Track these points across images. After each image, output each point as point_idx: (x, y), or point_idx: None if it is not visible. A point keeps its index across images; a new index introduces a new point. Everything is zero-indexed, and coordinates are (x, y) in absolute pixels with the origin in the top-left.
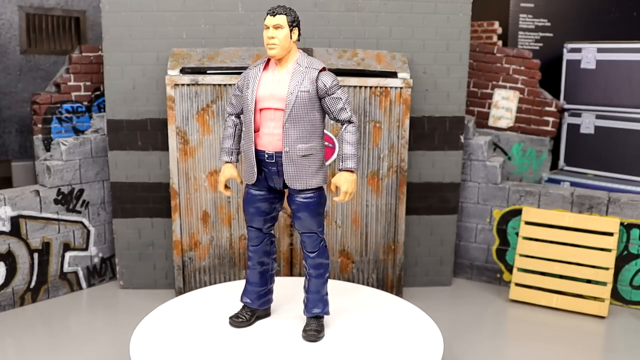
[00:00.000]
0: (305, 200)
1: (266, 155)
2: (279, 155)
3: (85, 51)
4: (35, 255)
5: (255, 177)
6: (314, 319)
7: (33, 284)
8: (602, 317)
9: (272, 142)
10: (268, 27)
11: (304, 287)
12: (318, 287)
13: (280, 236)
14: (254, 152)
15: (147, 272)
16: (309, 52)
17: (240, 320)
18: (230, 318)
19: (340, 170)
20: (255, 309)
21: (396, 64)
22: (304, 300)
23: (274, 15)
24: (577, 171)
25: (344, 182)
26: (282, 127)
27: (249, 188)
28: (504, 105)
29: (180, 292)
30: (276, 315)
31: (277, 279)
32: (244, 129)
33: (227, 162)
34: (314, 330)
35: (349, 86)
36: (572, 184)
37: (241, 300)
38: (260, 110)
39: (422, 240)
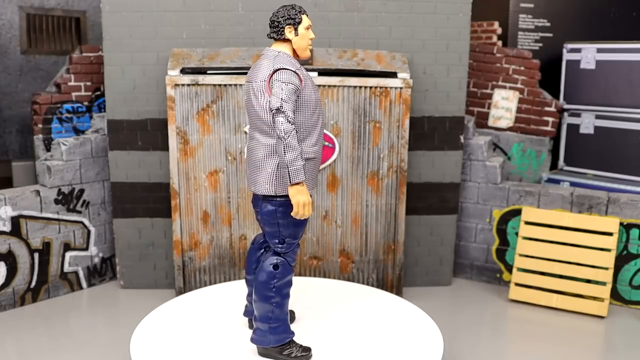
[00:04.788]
0: None
1: None
2: None
3: (85, 51)
4: (36, 255)
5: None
6: None
7: (33, 283)
8: (602, 317)
9: None
10: (309, 28)
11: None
12: None
13: None
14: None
15: (147, 272)
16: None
17: (308, 351)
18: (307, 356)
19: None
20: None
21: (396, 64)
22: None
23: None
24: (577, 171)
25: None
26: None
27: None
28: (504, 105)
29: (180, 292)
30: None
31: None
32: (313, 134)
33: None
34: None
35: (349, 86)
36: (572, 184)
37: (289, 336)
38: None
39: (422, 240)
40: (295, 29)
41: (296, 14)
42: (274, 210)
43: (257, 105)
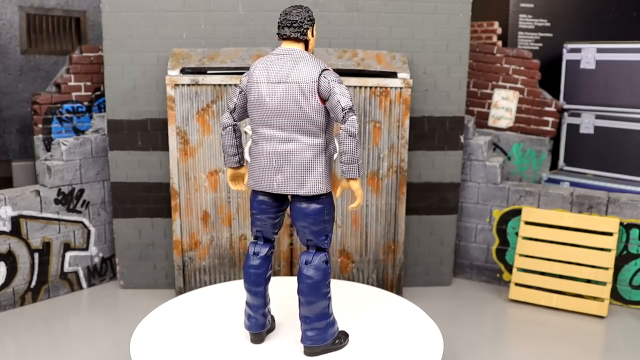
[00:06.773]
0: None
1: None
2: None
3: (85, 51)
4: (36, 255)
5: None
6: None
7: (33, 283)
8: (602, 317)
9: None
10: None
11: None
12: None
13: (281, 236)
14: None
15: (147, 272)
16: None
17: (347, 335)
18: (348, 340)
19: None
20: None
21: (396, 64)
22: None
23: None
24: (577, 171)
25: None
26: None
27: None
28: (504, 105)
29: (180, 292)
30: (274, 315)
31: (277, 278)
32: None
33: None
34: None
35: (349, 86)
36: (572, 184)
37: (337, 324)
38: None
39: (422, 240)
40: (312, 31)
41: (313, 16)
42: (322, 208)
43: (307, 106)
